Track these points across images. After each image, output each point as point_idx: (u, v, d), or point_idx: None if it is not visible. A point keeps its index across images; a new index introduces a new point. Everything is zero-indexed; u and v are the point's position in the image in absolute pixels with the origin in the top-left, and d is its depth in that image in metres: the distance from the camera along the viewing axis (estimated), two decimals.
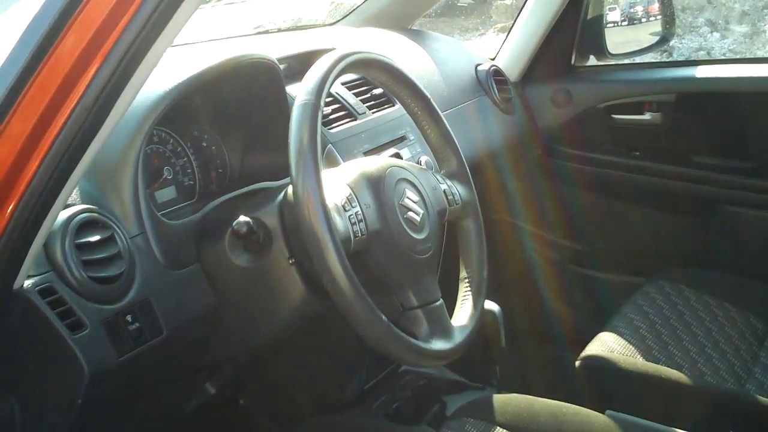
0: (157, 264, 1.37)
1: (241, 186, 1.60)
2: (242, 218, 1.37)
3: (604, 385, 1.83)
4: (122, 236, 1.31)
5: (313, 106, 1.28)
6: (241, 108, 1.67)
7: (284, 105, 1.65)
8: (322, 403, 1.97)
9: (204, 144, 1.67)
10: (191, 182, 1.65)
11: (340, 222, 1.29)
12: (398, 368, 2.11)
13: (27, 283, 1.19)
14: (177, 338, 1.38)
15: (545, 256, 2.65)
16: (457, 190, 1.56)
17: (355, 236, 1.31)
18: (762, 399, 1.75)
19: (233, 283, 1.45)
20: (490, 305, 1.80)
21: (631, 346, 1.87)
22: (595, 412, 1.62)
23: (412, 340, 1.33)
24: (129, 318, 1.29)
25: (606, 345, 1.87)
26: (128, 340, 1.29)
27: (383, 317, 1.27)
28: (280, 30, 2.43)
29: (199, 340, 1.48)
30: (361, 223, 1.33)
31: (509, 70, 2.52)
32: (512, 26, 2.53)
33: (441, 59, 2.35)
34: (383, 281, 1.38)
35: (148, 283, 1.33)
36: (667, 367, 1.81)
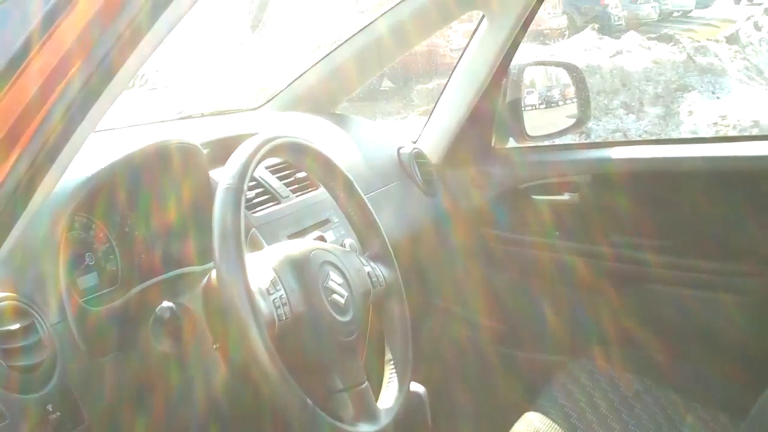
0: (79, 351, 1.34)
1: (165, 271, 1.57)
2: (165, 304, 1.36)
3: None
4: (43, 324, 1.28)
5: (237, 190, 1.28)
6: (165, 193, 1.66)
7: (208, 189, 1.65)
8: None
9: (127, 229, 1.66)
10: (114, 268, 1.62)
11: (264, 305, 1.29)
12: None
13: None
14: (99, 426, 1.35)
15: (468, 337, 2.66)
16: (381, 271, 1.57)
17: (280, 320, 1.31)
18: None
19: (157, 370, 1.42)
20: (416, 387, 1.80)
21: (556, 426, 1.88)
22: None
23: (339, 424, 1.32)
24: (50, 407, 1.25)
25: (532, 425, 1.88)
26: (49, 430, 1.25)
27: (309, 401, 1.27)
28: (203, 115, 2.44)
29: (122, 426, 1.45)
30: (285, 307, 1.32)
31: (431, 152, 2.55)
32: (433, 110, 2.57)
33: (364, 142, 2.38)
34: (308, 364, 1.37)
35: (70, 371, 1.30)
36: None
